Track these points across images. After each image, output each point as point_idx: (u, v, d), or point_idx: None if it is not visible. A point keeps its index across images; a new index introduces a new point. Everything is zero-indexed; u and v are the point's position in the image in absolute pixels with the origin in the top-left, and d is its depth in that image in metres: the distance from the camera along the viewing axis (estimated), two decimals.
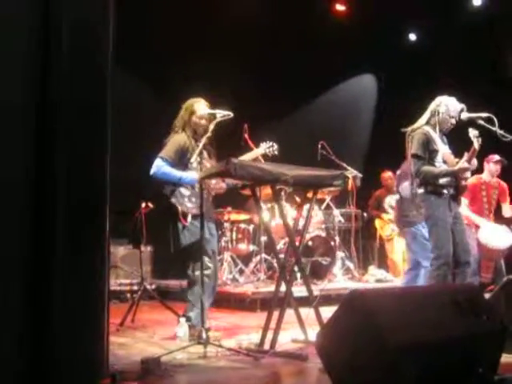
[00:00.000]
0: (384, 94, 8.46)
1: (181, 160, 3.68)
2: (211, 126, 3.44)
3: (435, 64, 7.54)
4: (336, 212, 6.62)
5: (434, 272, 3.91)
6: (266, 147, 4.19)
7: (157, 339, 3.81)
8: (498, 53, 7.01)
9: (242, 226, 6.29)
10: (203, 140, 3.44)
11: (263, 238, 5.96)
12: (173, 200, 3.57)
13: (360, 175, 6.27)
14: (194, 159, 3.55)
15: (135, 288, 6.15)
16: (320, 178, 3.27)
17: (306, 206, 3.54)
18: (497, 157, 5.31)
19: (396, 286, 2.76)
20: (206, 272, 3.50)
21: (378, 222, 7.06)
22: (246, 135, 5.06)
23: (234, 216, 6.32)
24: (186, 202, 3.57)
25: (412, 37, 8.19)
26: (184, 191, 3.60)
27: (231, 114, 3.44)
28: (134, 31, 6.05)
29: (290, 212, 6.06)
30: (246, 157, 4.03)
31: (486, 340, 2.36)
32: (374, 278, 6.31)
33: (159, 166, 3.59)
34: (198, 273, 3.47)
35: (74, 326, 2.33)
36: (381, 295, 2.29)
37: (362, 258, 6.76)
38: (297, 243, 3.58)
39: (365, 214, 7.11)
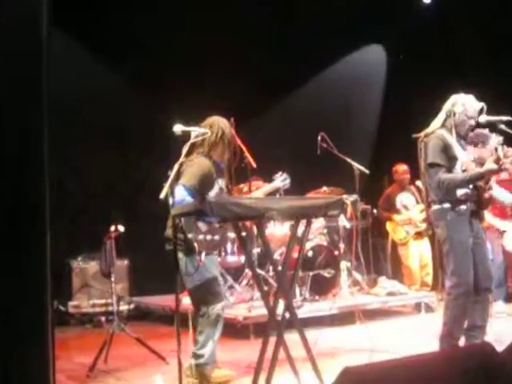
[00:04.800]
0: (395, 70, 8.27)
1: (203, 189, 3.75)
2: (185, 148, 3.40)
3: (458, 33, 7.36)
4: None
5: (453, 302, 3.85)
6: (282, 180, 4.39)
7: None
8: None
9: (231, 233, 6.21)
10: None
11: (256, 250, 5.92)
12: (189, 236, 3.60)
13: (366, 171, 6.24)
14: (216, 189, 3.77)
15: (110, 309, 6.14)
16: (312, 209, 3.22)
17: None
18: None
19: (397, 358, 2.66)
20: (222, 305, 3.78)
21: (389, 225, 7.01)
22: (233, 131, 5.00)
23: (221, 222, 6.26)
24: (202, 238, 3.63)
25: None
26: (201, 226, 3.63)
27: (208, 132, 3.54)
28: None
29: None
30: (260, 192, 4.21)
31: None
32: (385, 291, 6.26)
33: (183, 196, 3.62)
34: (217, 308, 3.74)
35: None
36: (379, 372, 2.21)
37: (371, 266, 6.70)
38: (296, 254, 3.58)
39: (375, 211, 7.04)
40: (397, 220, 6.91)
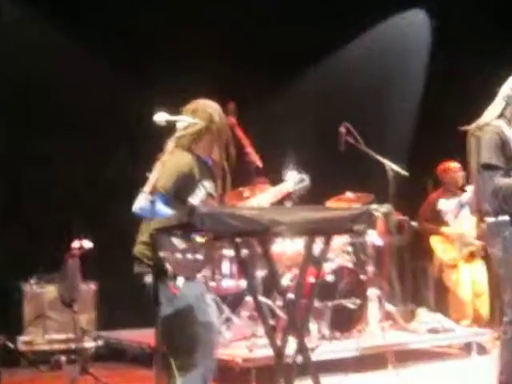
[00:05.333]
0: (441, 41, 8.29)
1: (180, 193, 3.73)
2: (169, 143, 3.45)
3: None
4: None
5: (511, 343, 3.88)
6: (296, 182, 4.30)
7: None
8: None
9: (228, 251, 6.25)
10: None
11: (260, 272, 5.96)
12: (161, 254, 3.57)
13: (404, 172, 6.28)
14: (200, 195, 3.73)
15: (72, 347, 6.20)
16: (333, 223, 3.23)
17: None
18: None
19: None
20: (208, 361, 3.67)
21: (434, 241, 7.02)
22: (234, 120, 5.05)
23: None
24: (179, 258, 3.60)
25: None
26: (178, 242, 3.61)
27: (198, 122, 3.58)
28: None
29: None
30: (265, 197, 4.08)
31: None
32: (426, 327, 6.28)
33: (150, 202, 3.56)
34: (197, 364, 3.64)
35: None
36: None
37: (408, 294, 6.73)
38: (312, 279, 3.56)
39: (413, 224, 7.07)
40: (445, 234, 6.93)
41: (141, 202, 3.61)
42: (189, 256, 3.53)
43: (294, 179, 4.33)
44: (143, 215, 3.61)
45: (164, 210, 3.60)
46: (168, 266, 3.47)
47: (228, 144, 3.94)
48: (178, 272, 3.52)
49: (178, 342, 3.70)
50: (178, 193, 3.69)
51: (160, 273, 3.52)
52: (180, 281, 3.53)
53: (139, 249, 3.67)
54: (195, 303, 3.74)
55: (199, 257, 3.48)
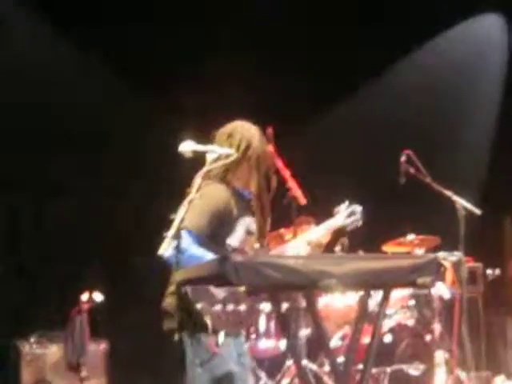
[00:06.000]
0: None
1: (216, 233, 3.78)
2: (198, 177, 3.52)
3: None
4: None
5: None
6: (346, 215, 4.26)
7: None
8: None
9: (266, 306, 6.29)
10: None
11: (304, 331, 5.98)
12: (199, 306, 3.60)
13: (477, 211, 6.27)
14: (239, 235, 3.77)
15: None
16: (392, 274, 3.24)
17: None
18: None
19: None
20: None
21: None
22: (272, 148, 5.13)
23: None
24: (220, 310, 3.63)
25: None
26: (217, 291, 3.65)
27: (232, 153, 3.59)
28: None
29: None
30: (307, 237, 4.11)
31: None
32: None
33: (187, 245, 3.61)
34: None
35: None
36: None
37: (482, 358, 6.69)
38: (365, 339, 3.51)
39: (488, 272, 7.04)
40: None
41: (167, 250, 3.58)
42: (230, 308, 3.63)
43: (343, 213, 4.28)
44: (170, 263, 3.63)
45: (199, 253, 3.63)
46: (207, 320, 3.55)
47: (269, 173, 3.99)
48: (218, 327, 3.59)
49: None
50: (214, 233, 3.73)
51: (196, 329, 3.58)
52: (222, 337, 3.58)
53: (169, 301, 3.69)
54: (236, 369, 3.75)
55: (242, 308, 3.58)
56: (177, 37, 7.15)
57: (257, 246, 3.93)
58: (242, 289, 3.15)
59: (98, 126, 6.99)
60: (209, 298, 3.61)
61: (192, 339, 3.64)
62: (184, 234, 3.56)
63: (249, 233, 3.89)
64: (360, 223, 4.33)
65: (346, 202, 4.36)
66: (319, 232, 4.23)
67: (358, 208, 4.32)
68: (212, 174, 3.80)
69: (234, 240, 3.81)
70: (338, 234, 4.67)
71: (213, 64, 7.03)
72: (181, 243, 3.39)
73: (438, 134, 7.92)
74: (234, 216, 3.82)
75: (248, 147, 3.88)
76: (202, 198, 3.68)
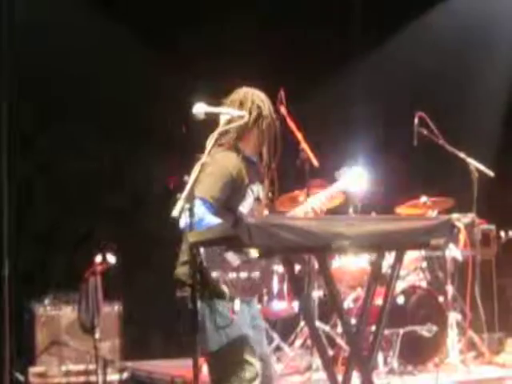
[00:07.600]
0: None
1: (229, 201, 3.79)
2: (211, 139, 3.49)
3: None
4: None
5: None
6: (351, 180, 4.18)
7: None
8: None
9: (279, 267, 6.30)
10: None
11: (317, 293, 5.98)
12: (214, 274, 3.62)
13: (490, 173, 6.25)
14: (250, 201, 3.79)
15: (93, 380, 6.27)
16: (405, 236, 3.23)
17: None
18: None
19: None
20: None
21: None
22: (285, 110, 5.10)
23: None
24: (235, 278, 3.66)
25: None
26: (232, 258, 3.69)
27: (245, 115, 3.58)
28: None
29: None
30: (313, 203, 4.05)
31: None
32: None
33: (201, 214, 3.62)
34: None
35: None
36: None
37: (495, 319, 6.70)
38: (378, 301, 3.51)
39: (502, 234, 7.03)
40: None
41: (180, 213, 3.51)
42: (244, 274, 3.65)
43: (347, 177, 4.17)
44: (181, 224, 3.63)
45: (215, 222, 3.63)
46: (225, 288, 3.57)
47: (276, 140, 3.96)
48: (235, 294, 3.60)
49: (230, 378, 3.71)
50: (227, 201, 3.73)
51: (214, 296, 3.59)
52: (237, 304, 3.58)
53: (182, 270, 3.69)
54: (251, 332, 3.77)
55: (256, 274, 3.58)
56: None
57: (266, 213, 3.94)
58: (256, 254, 3.17)
59: (110, 91, 6.95)
60: (224, 264, 3.63)
61: (208, 307, 3.66)
62: (198, 202, 3.57)
63: (257, 199, 3.90)
64: (364, 186, 4.28)
65: (347, 166, 4.23)
66: (319, 200, 4.13)
67: (360, 170, 4.21)
68: (224, 140, 3.81)
69: (245, 207, 3.81)
70: (350, 196, 4.65)
71: (226, 25, 6.97)
72: (193, 205, 3.37)
73: (453, 96, 7.85)
74: (245, 183, 3.83)
75: (259, 115, 3.88)
76: (214, 166, 3.71)
